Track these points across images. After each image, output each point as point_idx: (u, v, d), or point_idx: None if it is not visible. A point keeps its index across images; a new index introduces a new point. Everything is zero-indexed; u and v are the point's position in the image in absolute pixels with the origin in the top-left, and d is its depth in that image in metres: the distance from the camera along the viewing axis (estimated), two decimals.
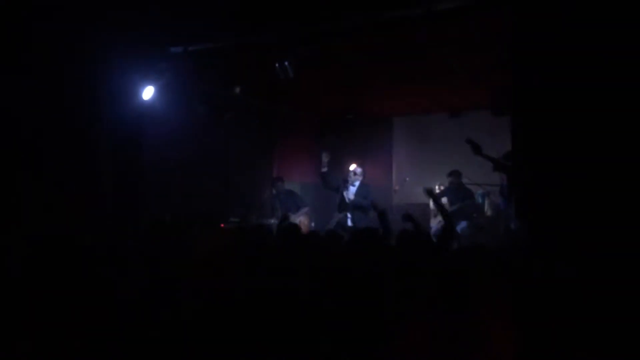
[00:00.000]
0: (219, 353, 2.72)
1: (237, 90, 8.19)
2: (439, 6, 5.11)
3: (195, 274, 3.18)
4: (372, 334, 2.65)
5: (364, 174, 8.09)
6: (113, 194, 6.75)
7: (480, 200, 8.48)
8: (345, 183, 7.98)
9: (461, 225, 8.16)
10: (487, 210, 8.49)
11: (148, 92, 6.98)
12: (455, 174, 8.40)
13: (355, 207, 7.81)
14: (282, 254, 3.69)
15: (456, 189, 8.43)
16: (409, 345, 2.55)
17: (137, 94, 6.93)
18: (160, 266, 3.28)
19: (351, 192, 7.89)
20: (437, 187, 9.14)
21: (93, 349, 2.73)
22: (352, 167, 8.16)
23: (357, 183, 7.95)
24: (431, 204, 8.86)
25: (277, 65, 6.51)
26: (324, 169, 7.96)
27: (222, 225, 8.52)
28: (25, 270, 3.19)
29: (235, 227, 8.18)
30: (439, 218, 8.59)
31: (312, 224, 9.13)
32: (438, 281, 2.86)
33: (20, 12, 5.64)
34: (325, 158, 7.88)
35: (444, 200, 8.62)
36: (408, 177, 9.90)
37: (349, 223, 7.80)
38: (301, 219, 8.52)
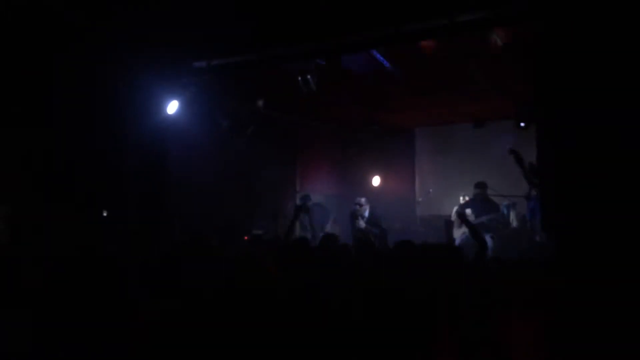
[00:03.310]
0: None
1: (260, 103, 8.25)
2: (461, 18, 5.10)
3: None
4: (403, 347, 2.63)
5: (369, 202, 8.28)
6: (138, 208, 6.82)
7: (505, 211, 8.39)
8: (355, 216, 8.11)
9: (487, 238, 8.08)
10: (513, 221, 8.39)
11: (172, 107, 7.07)
12: (481, 186, 8.32)
13: (366, 234, 7.93)
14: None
15: (481, 202, 8.35)
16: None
17: (161, 108, 7.01)
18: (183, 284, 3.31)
19: (362, 223, 8.05)
20: (461, 198, 9.08)
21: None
22: (377, 181, 8.26)
23: (366, 213, 8.10)
24: (453, 215, 8.81)
25: (299, 78, 6.55)
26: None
27: (245, 237, 8.57)
28: (50, 285, 3.25)
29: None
30: (463, 229, 8.52)
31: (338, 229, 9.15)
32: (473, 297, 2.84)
33: (46, 33, 5.76)
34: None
35: (468, 211, 8.56)
36: (431, 189, 9.84)
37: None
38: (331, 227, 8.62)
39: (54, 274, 3.31)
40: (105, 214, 6.53)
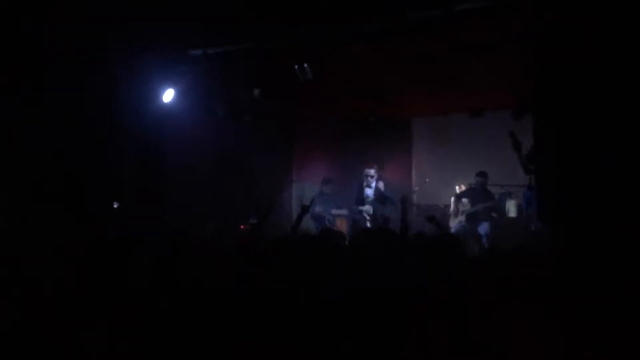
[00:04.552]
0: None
1: (257, 92, 8.22)
2: (458, 7, 5.08)
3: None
4: (387, 340, 2.63)
5: (378, 173, 8.30)
6: (136, 196, 6.81)
7: (501, 201, 8.42)
8: (362, 186, 8.16)
9: (483, 227, 8.12)
10: (509, 211, 8.43)
11: (168, 95, 7.04)
12: (483, 175, 8.34)
13: (377, 198, 7.98)
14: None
15: (478, 191, 8.38)
16: (425, 352, 2.54)
17: (157, 97, 6.99)
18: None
19: (370, 193, 8.10)
20: (457, 187, 9.11)
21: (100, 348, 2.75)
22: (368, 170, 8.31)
23: (373, 184, 8.14)
24: (452, 204, 8.84)
25: (296, 67, 6.52)
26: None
27: (242, 226, 8.57)
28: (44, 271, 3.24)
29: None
30: (459, 218, 8.56)
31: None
32: (457, 286, 2.84)
33: (40, 20, 5.71)
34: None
35: (465, 200, 8.59)
36: (428, 178, 9.86)
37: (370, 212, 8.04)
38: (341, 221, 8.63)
39: (52, 267, 3.30)
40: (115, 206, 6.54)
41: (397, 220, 7.52)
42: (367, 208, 8.17)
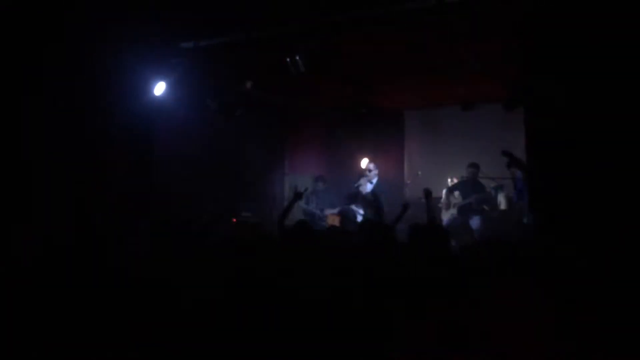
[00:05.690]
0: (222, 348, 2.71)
1: (249, 85, 8.19)
2: None
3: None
4: (378, 330, 2.63)
5: (377, 168, 8.25)
6: (125, 189, 6.78)
7: (493, 193, 8.44)
8: (361, 178, 8.12)
9: (475, 220, 8.13)
10: (501, 203, 8.45)
11: (159, 88, 7.00)
12: (475, 166, 8.35)
13: (369, 202, 7.91)
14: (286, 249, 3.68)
15: (469, 183, 8.39)
16: (416, 341, 2.54)
17: (148, 89, 6.95)
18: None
19: (369, 188, 8.04)
20: (449, 180, 9.12)
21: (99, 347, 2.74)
22: (365, 163, 8.25)
23: (374, 180, 8.11)
24: (443, 197, 8.86)
25: (288, 59, 6.49)
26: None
27: (234, 220, 8.57)
28: (37, 264, 3.22)
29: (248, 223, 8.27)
30: (451, 211, 8.57)
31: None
32: (448, 275, 2.85)
33: (33, 11, 5.66)
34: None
35: (456, 193, 8.60)
36: (420, 171, 9.87)
37: (359, 218, 7.92)
38: (333, 217, 8.58)
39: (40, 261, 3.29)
40: None
41: (389, 214, 7.54)
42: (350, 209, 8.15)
